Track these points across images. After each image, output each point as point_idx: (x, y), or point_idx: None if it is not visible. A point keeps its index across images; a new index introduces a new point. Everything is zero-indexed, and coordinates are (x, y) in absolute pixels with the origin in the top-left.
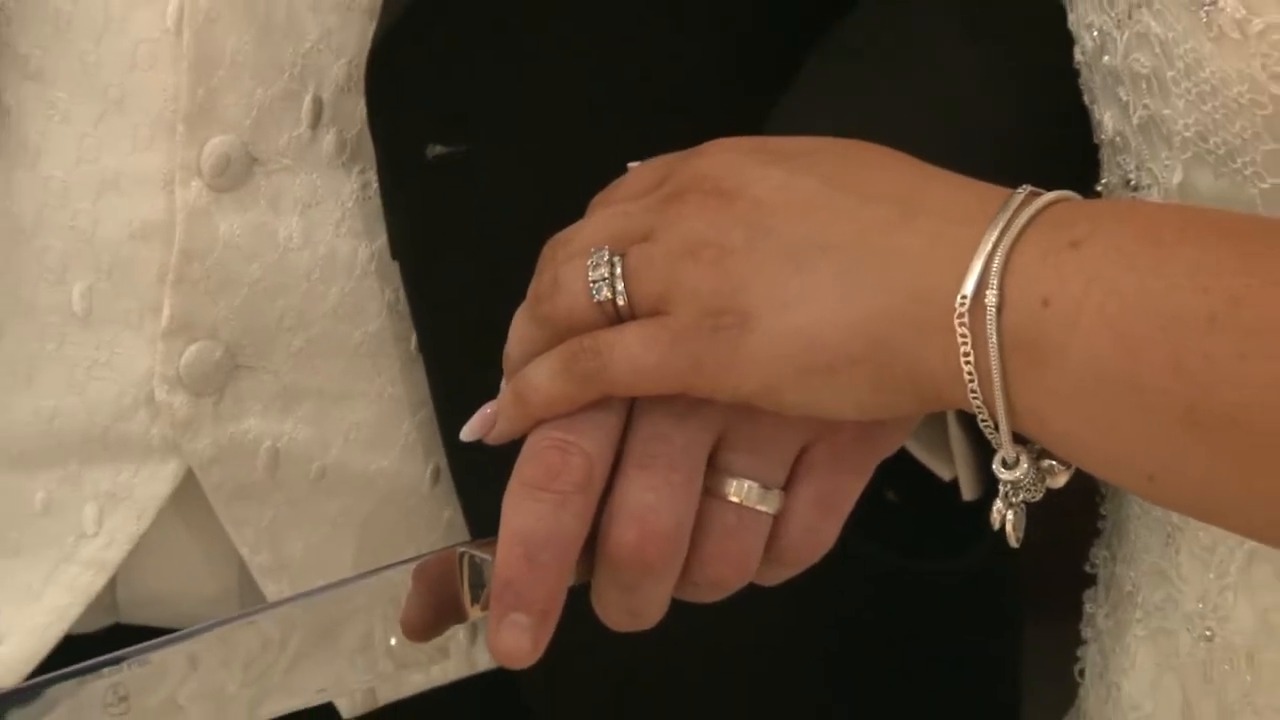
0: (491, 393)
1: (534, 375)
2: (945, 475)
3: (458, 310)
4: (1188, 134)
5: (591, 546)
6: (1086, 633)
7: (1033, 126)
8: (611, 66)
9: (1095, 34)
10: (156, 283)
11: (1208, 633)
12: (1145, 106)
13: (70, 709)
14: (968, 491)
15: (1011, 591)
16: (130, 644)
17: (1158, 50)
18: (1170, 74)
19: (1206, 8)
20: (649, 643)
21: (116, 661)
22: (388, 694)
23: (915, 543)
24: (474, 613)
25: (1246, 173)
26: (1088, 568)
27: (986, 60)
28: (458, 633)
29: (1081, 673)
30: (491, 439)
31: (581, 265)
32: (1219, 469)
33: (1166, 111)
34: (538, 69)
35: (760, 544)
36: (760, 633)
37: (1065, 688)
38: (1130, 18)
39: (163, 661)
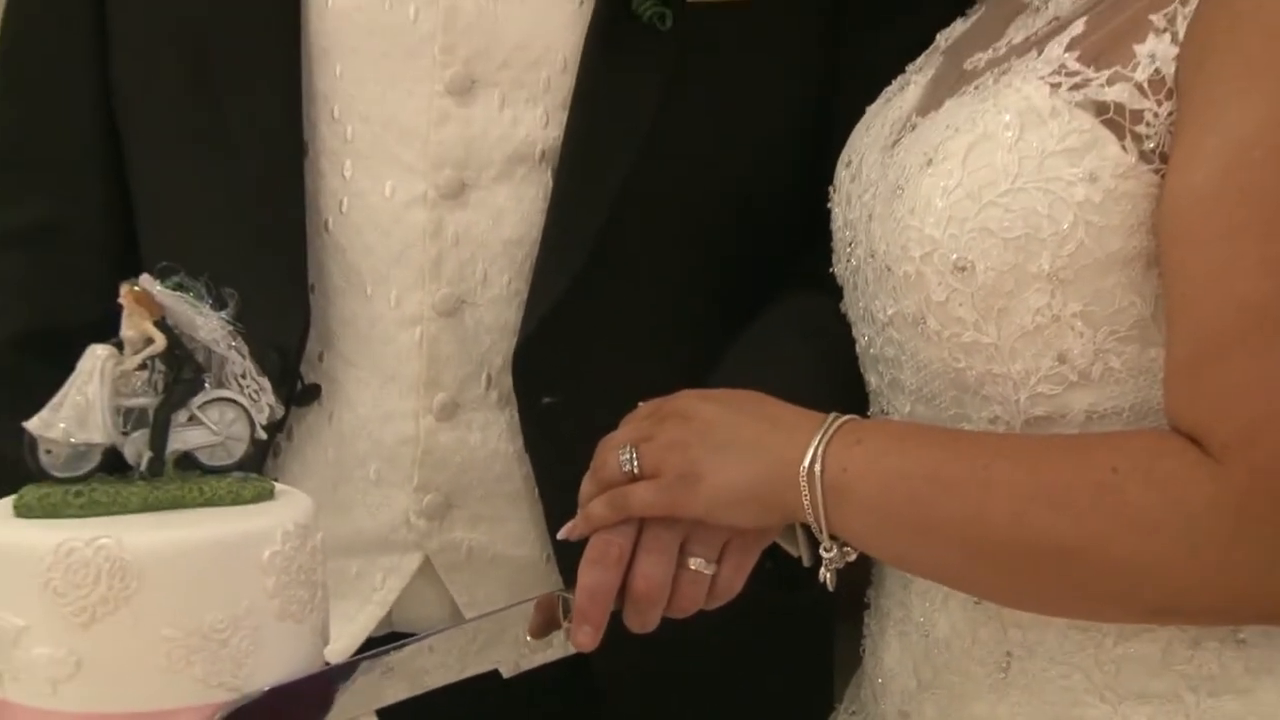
0: (572, 516)
1: (593, 507)
2: (795, 553)
3: (560, 478)
4: (912, 387)
5: (622, 591)
6: (865, 632)
7: (837, 384)
8: (643, 365)
9: (865, 338)
10: (410, 465)
11: (926, 634)
12: (892, 374)
13: (365, 677)
14: (806, 561)
15: (829, 611)
16: (398, 640)
17: (897, 346)
18: (903, 358)
19: (920, 325)
20: (655, 642)
21: (388, 651)
22: (525, 664)
23: (779, 585)
24: (564, 624)
25: (943, 406)
26: (865, 600)
27: (813, 353)
28: (559, 634)
29: (863, 651)
30: (573, 538)
31: (616, 453)
32: (932, 555)
33: (902, 376)
34: (599, 359)
35: (705, 590)
36: (703, 634)
37: (855, 659)
38: (884, 330)
39: (414, 650)
